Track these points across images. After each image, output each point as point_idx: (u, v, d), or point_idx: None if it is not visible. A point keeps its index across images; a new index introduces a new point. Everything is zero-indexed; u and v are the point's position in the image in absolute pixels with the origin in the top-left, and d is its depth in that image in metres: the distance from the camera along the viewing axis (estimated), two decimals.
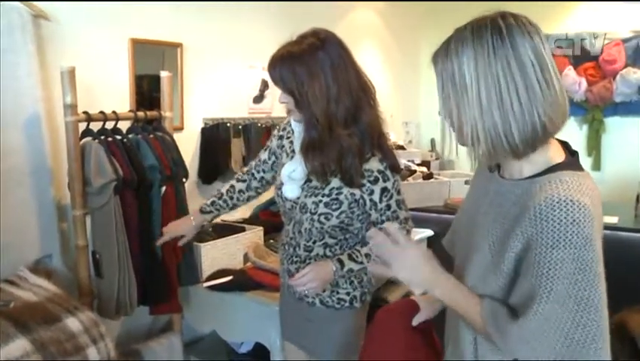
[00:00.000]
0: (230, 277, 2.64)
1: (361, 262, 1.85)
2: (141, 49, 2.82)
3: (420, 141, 5.63)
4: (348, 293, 1.95)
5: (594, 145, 5.03)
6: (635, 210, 3.53)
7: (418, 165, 4.21)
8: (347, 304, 1.95)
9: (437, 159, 5.19)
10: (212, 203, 2.21)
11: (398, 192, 1.85)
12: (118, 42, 2.71)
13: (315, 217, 1.84)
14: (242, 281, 2.61)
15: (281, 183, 1.94)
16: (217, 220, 3.23)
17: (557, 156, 1.20)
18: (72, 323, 1.83)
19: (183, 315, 2.81)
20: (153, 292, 2.48)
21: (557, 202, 1.07)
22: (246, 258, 2.85)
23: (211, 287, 2.64)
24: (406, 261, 1.25)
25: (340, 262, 1.83)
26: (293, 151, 1.96)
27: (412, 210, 3.78)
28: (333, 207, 1.83)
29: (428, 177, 4.03)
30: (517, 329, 1.11)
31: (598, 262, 1.08)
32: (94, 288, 2.36)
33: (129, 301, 2.35)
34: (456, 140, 1.23)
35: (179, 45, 3.01)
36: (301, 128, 1.86)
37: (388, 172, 1.81)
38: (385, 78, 5.13)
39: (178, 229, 2.21)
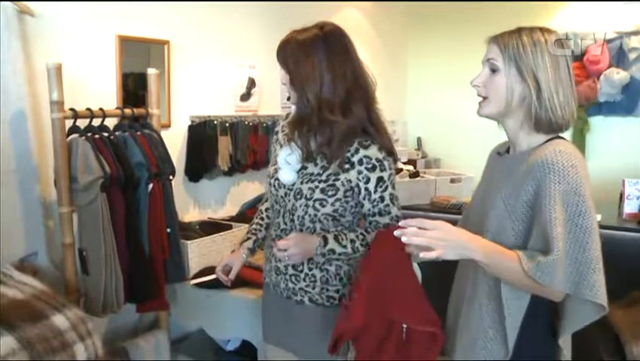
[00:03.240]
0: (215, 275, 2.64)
1: (345, 246, 1.83)
2: (129, 46, 2.81)
3: (407, 139, 5.65)
4: (337, 291, 1.92)
5: (578, 144, 5.06)
6: (618, 208, 3.56)
7: (404, 163, 4.22)
8: (336, 301, 1.92)
9: (423, 157, 5.22)
10: (253, 239, 2.12)
11: (393, 186, 1.86)
12: (105, 39, 2.70)
13: (310, 203, 1.83)
14: None
15: (275, 171, 1.92)
16: (204, 218, 3.25)
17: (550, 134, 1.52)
18: (59, 320, 1.82)
19: (170, 312, 2.81)
20: (140, 289, 2.48)
21: (559, 152, 1.40)
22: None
23: (198, 285, 2.64)
24: (448, 240, 1.38)
25: (325, 239, 1.82)
26: (290, 139, 1.93)
27: None
28: (329, 193, 1.82)
29: (414, 175, 4.05)
30: (551, 263, 1.36)
31: (590, 198, 1.39)
32: (80, 285, 2.35)
33: (116, 299, 2.35)
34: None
35: (166, 42, 3.00)
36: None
37: (385, 162, 1.82)
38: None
39: (233, 259, 2.08)
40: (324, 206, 1.83)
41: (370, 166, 1.81)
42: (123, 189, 2.39)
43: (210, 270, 2.72)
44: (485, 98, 1.55)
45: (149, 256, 2.49)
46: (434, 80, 5.58)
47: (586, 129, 5.06)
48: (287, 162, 1.86)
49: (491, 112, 1.55)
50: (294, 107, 1.93)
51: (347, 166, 1.81)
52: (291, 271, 1.93)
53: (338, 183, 1.82)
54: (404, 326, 1.60)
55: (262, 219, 2.15)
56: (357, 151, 1.81)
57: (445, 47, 5.47)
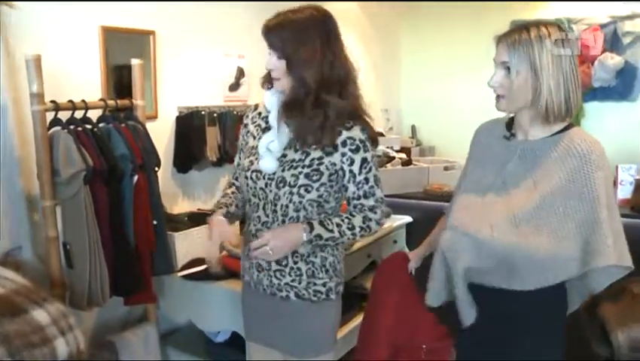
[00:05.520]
0: (204, 266, 2.63)
1: (331, 230, 1.79)
2: (115, 37, 2.78)
3: (401, 127, 5.62)
4: (324, 284, 1.90)
5: None
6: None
7: (397, 151, 4.19)
8: (323, 296, 1.90)
9: (417, 145, 5.19)
10: (224, 210, 1.96)
11: (376, 168, 1.86)
12: (88, 30, 2.66)
13: (295, 190, 1.79)
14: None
15: (251, 163, 1.88)
16: (193, 209, 3.23)
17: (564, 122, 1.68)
18: (39, 315, 1.78)
19: (159, 305, 2.79)
20: (126, 282, 2.46)
21: (590, 143, 1.60)
22: (222, 247, 2.83)
23: (186, 276, 2.63)
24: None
25: (310, 225, 1.78)
26: (266, 128, 1.90)
27: (391, 196, 3.85)
28: (314, 178, 1.79)
29: (406, 163, 4.03)
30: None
31: None
32: (65, 279, 2.34)
33: (101, 292, 2.33)
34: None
35: (152, 33, 2.96)
36: (280, 97, 1.85)
37: (368, 143, 1.82)
38: (364, 65, 5.08)
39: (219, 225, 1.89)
40: (309, 192, 1.80)
41: (354, 147, 1.79)
42: (106, 182, 2.37)
43: (198, 262, 2.71)
44: (502, 96, 1.66)
45: (135, 248, 2.47)
46: (428, 67, 5.54)
47: (582, 115, 5.03)
48: (268, 149, 1.83)
49: (509, 109, 1.69)
50: (270, 94, 1.89)
51: (330, 149, 1.79)
52: (274, 266, 1.88)
53: (322, 168, 1.80)
54: (424, 346, 1.89)
55: (229, 196, 2.02)
56: (340, 133, 1.79)
57: (438, 34, 5.43)
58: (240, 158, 2.01)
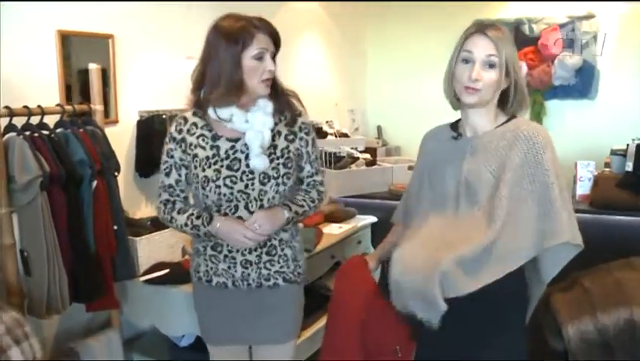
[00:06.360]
0: (166, 271, 2.62)
1: (302, 205, 1.98)
2: (75, 41, 2.76)
3: (367, 128, 5.66)
4: (300, 266, 2.06)
5: None
6: (572, 190, 3.61)
7: (362, 152, 4.22)
8: (302, 276, 2.08)
9: (383, 145, 5.23)
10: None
11: None
12: (44, 34, 2.63)
13: (280, 180, 1.91)
14: (178, 274, 2.60)
15: (218, 173, 1.88)
16: (156, 213, 3.20)
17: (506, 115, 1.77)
18: None
19: (122, 311, 2.78)
20: (87, 288, 2.44)
21: (535, 127, 1.69)
22: (184, 251, 2.83)
23: (148, 281, 2.62)
24: None
25: (287, 205, 1.94)
26: (215, 136, 1.91)
27: (355, 197, 3.88)
28: (289, 165, 1.94)
29: (370, 163, 4.06)
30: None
31: None
32: (24, 287, 2.31)
33: (61, 299, 2.31)
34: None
35: (110, 36, 2.95)
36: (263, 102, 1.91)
37: (310, 126, 2.06)
38: (329, 66, 5.12)
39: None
40: (289, 179, 1.95)
41: (307, 131, 2.01)
42: (65, 188, 2.35)
43: (161, 266, 2.70)
44: (479, 90, 1.67)
45: (95, 254, 2.46)
46: (394, 67, 5.59)
47: (543, 113, 5.13)
48: (261, 147, 1.88)
49: (480, 102, 1.70)
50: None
51: (292, 137, 1.97)
52: (265, 257, 1.97)
53: (291, 155, 1.95)
54: (398, 347, 1.94)
55: (191, 207, 2.00)
56: (295, 120, 1.98)
57: (404, 34, 5.48)
58: (181, 175, 1.97)
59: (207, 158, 1.91)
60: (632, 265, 2.25)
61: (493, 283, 1.59)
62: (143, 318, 2.77)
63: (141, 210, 3.19)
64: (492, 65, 1.65)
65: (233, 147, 1.90)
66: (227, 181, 1.89)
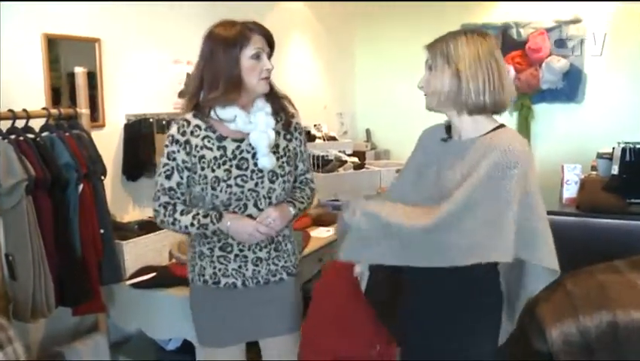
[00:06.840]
0: (153, 274, 2.62)
1: (302, 202, 2.06)
2: (62, 45, 2.77)
3: (356, 131, 5.67)
4: (297, 259, 2.16)
5: (524, 131, 5.15)
6: (559, 193, 3.63)
7: (350, 155, 4.23)
8: (299, 267, 2.16)
9: (372, 149, 5.24)
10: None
11: None
12: (30, 38, 2.63)
13: (286, 178, 2.00)
14: (165, 277, 2.60)
15: (228, 172, 1.90)
16: (144, 217, 3.21)
17: (495, 123, 1.73)
18: None
19: (109, 314, 2.77)
20: (72, 292, 2.44)
21: (512, 141, 1.62)
22: (171, 255, 2.83)
23: (135, 285, 2.62)
24: None
25: (291, 202, 2.02)
26: (220, 137, 1.92)
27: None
28: (290, 163, 2.02)
29: (359, 167, 4.07)
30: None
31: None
32: (9, 291, 2.30)
33: (46, 303, 2.30)
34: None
35: (97, 40, 2.95)
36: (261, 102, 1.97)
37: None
38: (317, 69, 5.13)
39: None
40: (292, 176, 2.04)
41: (301, 130, 2.11)
42: (50, 191, 2.35)
43: (148, 269, 2.70)
44: (426, 94, 1.76)
45: (81, 257, 2.45)
46: (383, 71, 5.61)
47: (531, 116, 5.17)
48: (268, 147, 1.93)
49: (431, 105, 1.76)
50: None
51: (289, 136, 2.04)
52: (274, 253, 2.04)
53: (290, 153, 2.03)
54: (378, 347, 1.95)
55: (196, 208, 1.99)
56: (290, 121, 2.05)
57: (393, 38, 5.49)
58: (183, 177, 1.94)
59: (215, 158, 1.91)
60: (615, 268, 2.27)
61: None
62: (130, 322, 2.77)
63: (129, 213, 3.19)
64: (430, 69, 1.74)
65: (238, 147, 1.93)
66: (238, 180, 1.92)
